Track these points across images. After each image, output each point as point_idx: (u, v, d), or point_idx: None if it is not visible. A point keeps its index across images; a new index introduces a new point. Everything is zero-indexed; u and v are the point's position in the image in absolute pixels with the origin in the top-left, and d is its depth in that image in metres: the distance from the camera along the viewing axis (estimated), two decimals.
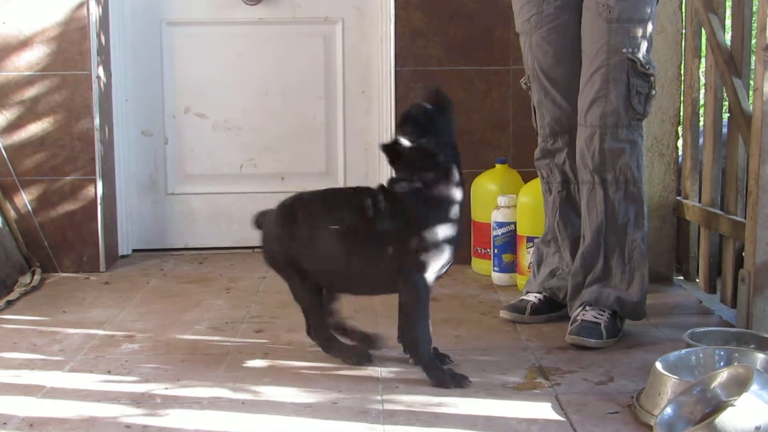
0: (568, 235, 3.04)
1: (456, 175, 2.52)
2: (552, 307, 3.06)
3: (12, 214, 3.73)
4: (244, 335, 2.95)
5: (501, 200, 3.53)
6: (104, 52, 3.85)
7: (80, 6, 3.69)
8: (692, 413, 2.07)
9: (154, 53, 4.11)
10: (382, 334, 2.72)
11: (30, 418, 2.29)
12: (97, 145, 3.77)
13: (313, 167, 4.18)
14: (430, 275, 2.51)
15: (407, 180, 2.50)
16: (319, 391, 2.45)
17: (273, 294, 3.43)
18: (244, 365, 2.67)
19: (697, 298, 3.35)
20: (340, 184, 4.16)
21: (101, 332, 3.00)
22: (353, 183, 4.13)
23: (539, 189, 3.16)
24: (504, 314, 3.07)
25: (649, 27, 2.79)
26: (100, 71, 3.79)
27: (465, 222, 3.78)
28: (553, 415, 2.28)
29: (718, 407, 2.03)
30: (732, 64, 3.12)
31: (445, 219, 2.49)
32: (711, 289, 3.32)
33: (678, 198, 3.58)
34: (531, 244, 3.33)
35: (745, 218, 2.95)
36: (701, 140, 3.48)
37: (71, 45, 3.71)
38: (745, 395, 1.92)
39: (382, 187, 2.57)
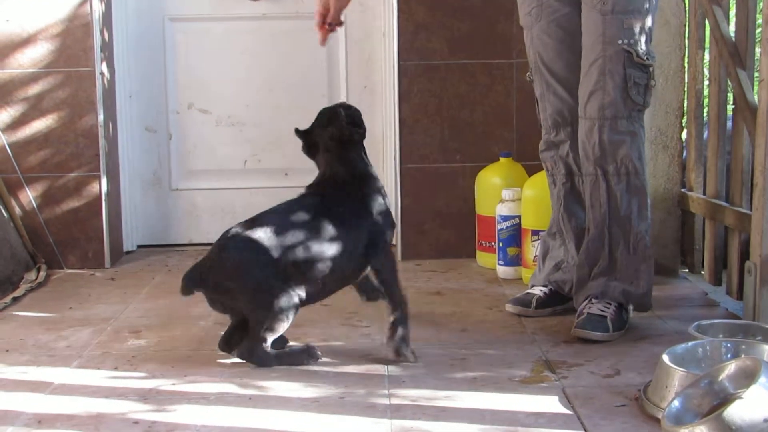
0: (572, 227, 3.04)
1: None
2: (557, 300, 3.06)
3: (17, 210, 3.73)
4: None
5: (505, 194, 3.53)
6: (107, 49, 3.85)
7: (83, 3, 3.69)
8: (700, 406, 2.07)
9: (157, 49, 4.12)
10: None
11: (38, 414, 2.29)
12: (101, 142, 3.77)
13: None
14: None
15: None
16: (325, 386, 2.45)
17: None
18: None
19: (702, 290, 3.34)
20: None
21: (107, 328, 3.00)
22: None
23: (544, 182, 3.16)
24: (509, 308, 3.07)
25: (647, 18, 2.78)
26: (104, 68, 3.79)
27: (470, 215, 3.80)
28: (560, 409, 2.28)
29: (726, 400, 2.03)
30: (736, 55, 3.11)
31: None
32: (717, 281, 3.32)
33: (682, 190, 3.58)
34: (536, 237, 3.34)
35: (750, 210, 2.95)
36: (705, 132, 3.47)
37: (75, 42, 3.71)
38: (753, 387, 1.92)
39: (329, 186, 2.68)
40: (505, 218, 3.52)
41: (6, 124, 3.73)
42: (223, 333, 2.67)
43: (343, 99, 4.17)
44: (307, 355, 2.62)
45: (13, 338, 2.92)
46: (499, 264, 3.58)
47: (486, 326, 2.96)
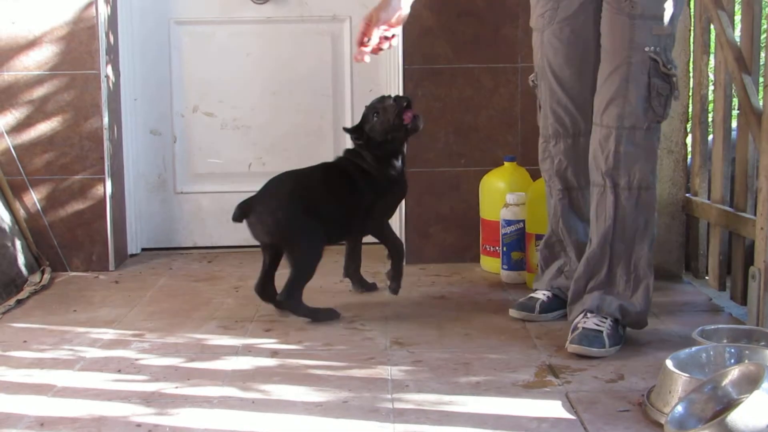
0: (572, 240, 3.00)
1: None
2: (561, 305, 3.02)
3: (21, 213, 3.73)
4: (253, 334, 2.96)
5: (510, 198, 3.53)
6: (113, 52, 3.85)
7: (89, 5, 3.70)
8: (703, 411, 2.07)
9: (162, 52, 4.12)
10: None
11: (41, 417, 2.30)
12: (106, 144, 3.77)
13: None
14: None
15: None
16: (329, 390, 2.45)
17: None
18: (254, 364, 2.67)
19: (706, 295, 3.34)
20: None
21: (111, 331, 3.00)
22: None
23: None
24: (513, 313, 3.05)
25: (673, 25, 2.69)
26: (109, 70, 3.80)
27: (474, 220, 3.79)
28: (564, 413, 2.28)
29: (729, 405, 2.03)
30: (741, 60, 3.11)
31: None
32: (721, 286, 3.31)
33: (687, 195, 3.57)
34: (540, 241, 3.33)
35: (755, 215, 2.95)
36: (710, 137, 3.47)
37: (80, 44, 3.71)
38: (756, 393, 1.91)
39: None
40: (510, 222, 3.52)
41: (11, 126, 3.73)
42: (258, 280, 3.22)
43: (347, 102, 4.18)
44: (330, 314, 3.08)
45: (16, 341, 2.92)
46: (503, 268, 3.58)
47: (490, 331, 2.96)
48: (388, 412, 2.29)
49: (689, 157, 3.61)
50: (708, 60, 3.51)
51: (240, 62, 4.15)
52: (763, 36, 3.01)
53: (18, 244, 3.64)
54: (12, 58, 3.72)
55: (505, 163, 3.68)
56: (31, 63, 3.72)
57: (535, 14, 2.94)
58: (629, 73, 2.67)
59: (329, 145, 4.19)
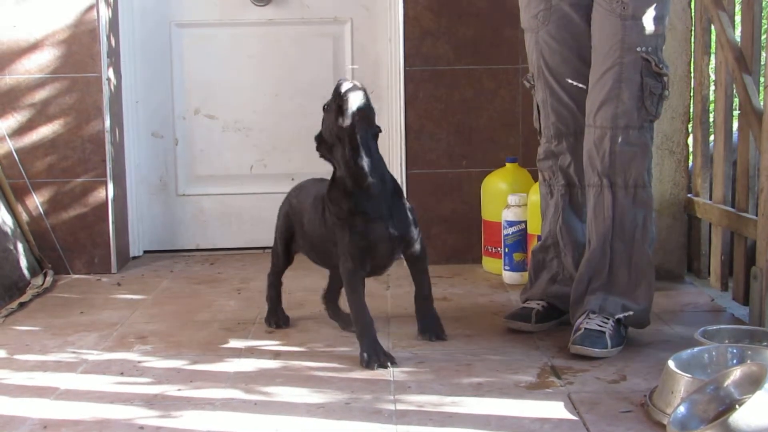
0: (570, 240, 2.96)
1: None
2: (556, 314, 2.97)
3: (24, 216, 3.74)
4: (255, 336, 2.96)
5: (511, 199, 3.53)
6: (114, 55, 3.86)
7: (90, 9, 3.70)
8: (705, 412, 2.07)
9: (163, 55, 4.12)
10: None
11: (44, 420, 2.30)
12: (108, 147, 3.78)
13: (323, 167, 4.11)
14: None
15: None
16: (331, 391, 2.45)
17: (284, 295, 3.42)
18: (257, 366, 2.67)
19: (708, 295, 3.34)
20: None
21: (113, 333, 3.00)
22: None
23: None
24: (509, 323, 2.97)
25: (663, 25, 2.71)
26: (110, 73, 3.80)
27: (476, 221, 3.80)
28: (566, 414, 2.28)
29: (732, 405, 2.03)
30: (742, 60, 3.11)
31: None
32: (723, 286, 3.31)
33: (689, 195, 3.57)
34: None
35: (756, 215, 2.95)
36: (711, 137, 3.47)
37: (81, 47, 3.72)
38: (758, 393, 1.91)
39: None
40: (511, 223, 3.53)
41: (13, 129, 3.74)
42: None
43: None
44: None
45: (19, 343, 2.92)
46: (505, 269, 3.58)
47: (492, 332, 2.96)
48: (390, 414, 2.29)
49: (691, 157, 3.61)
50: (709, 60, 3.51)
51: (241, 64, 4.15)
52: (763, 36, 3.01)
53: (20, 247, 3.64)
54: (14, 62, 3.72)
55: (507, 164, 3.69)
56: (32, 66, 3.73)
57: (527, 15, 2.92)
58: (622, 73, 2.68)
59: None
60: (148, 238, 4.18)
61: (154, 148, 4.17)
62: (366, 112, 2.68)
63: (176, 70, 4.14)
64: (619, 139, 2.70)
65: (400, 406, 2.34)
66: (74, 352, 2.82)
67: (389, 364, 2.62)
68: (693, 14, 3.52)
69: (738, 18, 3.24)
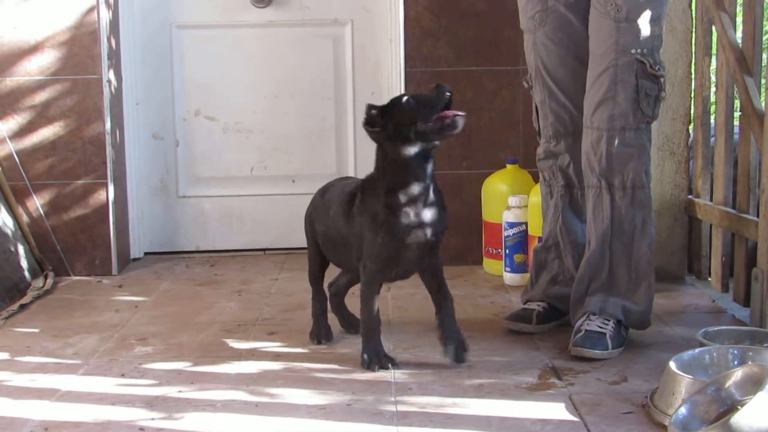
0: (570, 241, 2.96)
1: None
2: (557, 315, 2.97)
3: (24, 218, 3.74)
4: (256, 337, 2.96)
5: (512, 200, 3.53)
6: (114, 56, 3.86)
7: (90, 10, 3.71)
8: (707, 413, 2.07)
9: (164, 56, 4.13)
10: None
11: (45, 421, 2.30)
12: (109, 149, 3.78)
13: (323, 169, 4.18)
14: None
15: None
16: (332, 392, 2.45)
17: (285, 296, 3.43)
18: (258, 368, 2.67)
19: (709, 297, 3.34)
20: None
21: (114, 335, 3.00)
22: None
23: None
24: (509, 325, 2.97)
25: (659, 27, 2.71)
26: (111, 75, 3.80)
27: (476, 222, 3.79)
28: (567, 416, 2.28)
29: (733, 406, 2.03)
30: (743, 62, 3.11)
31: None
32: (724, 288, 3.31)
33: (689, 197, 3.57)
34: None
35: (757, 216, 2.95)
36: (712, 139, 3.47)
37: (82, 49, 3.72)
38: (760, 394, 1.91)
39: None
40: (512, 225, 3.53)
41: (13, 131, 3.74)
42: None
43: (349, 106, 4.18)
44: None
45: (20, 345, 2.92)
46: (505, 271, 3.58)
47: (492, 333, 2.96)
48: (391, 415, 2.29)
49: (691, 159, 3.61)
50: (710, 62, 3.51)
51: (242, 66, 4.15)
52: (764, 37, 3.01)
53: (21, 248, 3.64)
54: (14, 64, 3.72)
55: (507, 165, 3.69)
56: (33, 68, 3.73)
57: (525, 17, 2.94)
58: (617, 75, 2.69)
59: (331, 148, 4.19)
60: (148, 240, 4.18)
61: (155, 149, 4.17)
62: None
63: (177, 72, 4.14)
64: (616, 141, 2.71)
65: (401, 408, 2.34)
66: (75, 354, 2.82)
67: (390, 365, 2.61)
68: (694, 15, 3.52)
69: (739, 19, 3.25)
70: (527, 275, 3.47)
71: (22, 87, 3.73)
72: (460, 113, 2.51)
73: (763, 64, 3.19)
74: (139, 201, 4.13)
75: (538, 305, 2.98)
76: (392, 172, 2.55)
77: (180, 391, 2.48)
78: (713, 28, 3.38)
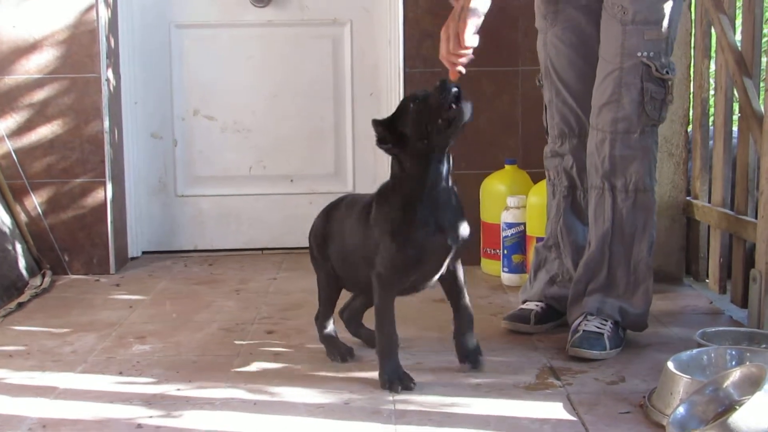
0: (570, 242, 2.97)
1: None
2: (555, 315, 2.97)
3: (22, 216, 3.74)
4: (254, 336, 2.96)
5: (510, 201, 3.53)
6: (113, 55, 3.86)
7: (89, 9, 3.70)
8: (705, 413, 2.07)
9: (162, 56, 4.12)
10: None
11: (43, 419, 2.29)
12: (107, 148, 3.77)
13: (322, 169, 4.18)
14: None
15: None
16: (331, 391, 2.45)
17: (283, 295, 3.43)
18: (256, 366, 2.67)
19: (707, 298, 3.34)
20: (349, 186, 4.17)
21: (112, 334, 3.00)
22: (362, 185, 4.14)
23: None
24: (507, 324, 2.97)
25: (669, 30, 2.69)
26: (110, 74, 3.80)
27: (474, 223, 3.79)
28: (565, 415, 2.28)
29: (731, 407, 2.03)
30: (742, 64, 3.12)
31: None
32: (722, 289, 3.32)
33: (688, 198, 3.58)
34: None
35: (755, 218, 2.95)
36: (711, 140, 3.47)
37: (80, 48, 3.72)
38: (758, 394, 1.92)
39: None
40: (510, 225, 3.53)
41: (11, 130, 3.73)
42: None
43: (348, 106, 4.18)
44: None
45: (18, 343, 2.92)
46: (503, 271, 3.58)
47: (490, 333, 2.96)
48: (390, 414, 2.29)
49: (690, 160, 3.62)
50: (709, 63, 3.51)
51: (241, 65, 4.15)
52: (764, 39, 3.02)
53: (19, 247, 3.64)
54: (13, 62, 3.72)
55: (506, 166, 3.69)
56: (32, 66, 3.72)
57: (538, 16, 2.95)
58: (622, 78, 2.68)
59: (330, 148, 4.19)
60: (146, 239, 4.18)
61: (153, 148, 4.17)
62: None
63: (175, 71, 4.14)
64: (619, 143, 2.71)
65: (399, 407, 2.34)
66: (73, 352, 2.82)
67: (412, 385, 2.45)
68: (693, 17, 3.52)
69: (738, 21, 3.25)
70: (525, 276, 3.47)
71: (20, 85, 3.73)
72: (464, 101, 2.41)
73: (762, 66, 3.20)
74: (137, 200, 4.13)
75: (536, 305, 2.99)
76: (408, 179, 2.46)
77: (178, 389, 2.48)
78: (712, 29, 3.39)
